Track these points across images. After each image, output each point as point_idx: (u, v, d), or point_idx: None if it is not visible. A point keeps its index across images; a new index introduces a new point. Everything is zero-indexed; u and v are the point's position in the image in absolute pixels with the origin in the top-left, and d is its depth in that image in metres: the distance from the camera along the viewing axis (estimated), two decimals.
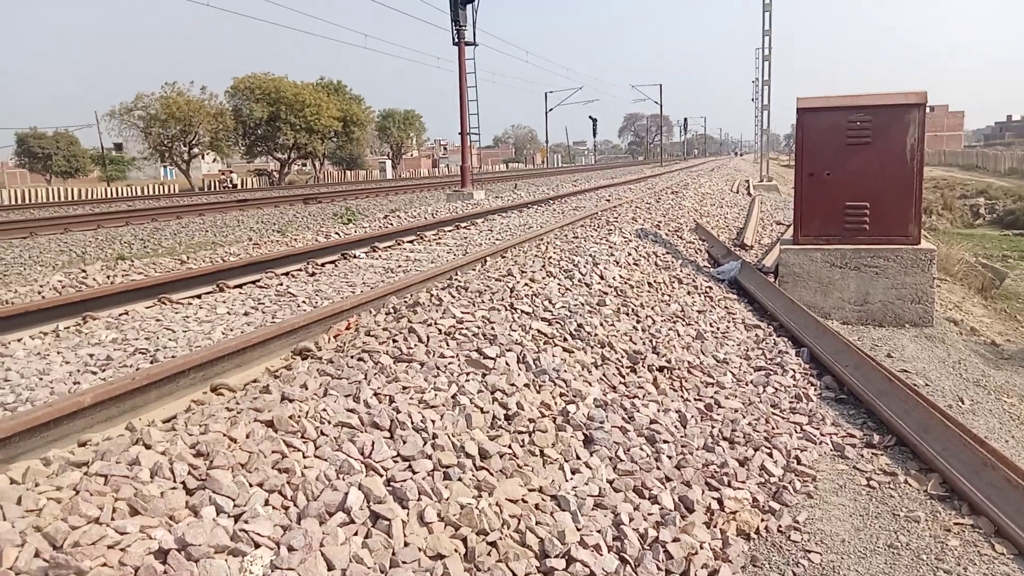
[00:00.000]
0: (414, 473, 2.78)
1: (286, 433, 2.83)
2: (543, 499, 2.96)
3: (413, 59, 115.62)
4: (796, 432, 4.28)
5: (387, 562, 2.35)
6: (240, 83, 47.75)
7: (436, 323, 4.36)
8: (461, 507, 2.64)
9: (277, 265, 8.11)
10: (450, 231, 12.07)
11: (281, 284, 7.40)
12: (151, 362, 4.56)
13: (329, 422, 2.98)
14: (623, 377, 4.47)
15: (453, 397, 3.42)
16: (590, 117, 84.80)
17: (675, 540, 2.90)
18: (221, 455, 2.55)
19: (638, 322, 5.54)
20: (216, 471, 2.47)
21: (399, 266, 8.40)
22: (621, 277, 6.55)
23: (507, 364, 3.92)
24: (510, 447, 3.20)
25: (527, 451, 3.24)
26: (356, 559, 2.30)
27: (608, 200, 16.32)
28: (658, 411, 4.06)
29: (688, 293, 7.01)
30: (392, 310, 5.21)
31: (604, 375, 4.38)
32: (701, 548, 2.92)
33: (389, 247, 10.19)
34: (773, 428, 4.25)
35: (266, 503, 2.44)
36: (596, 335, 4.83)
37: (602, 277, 6.34)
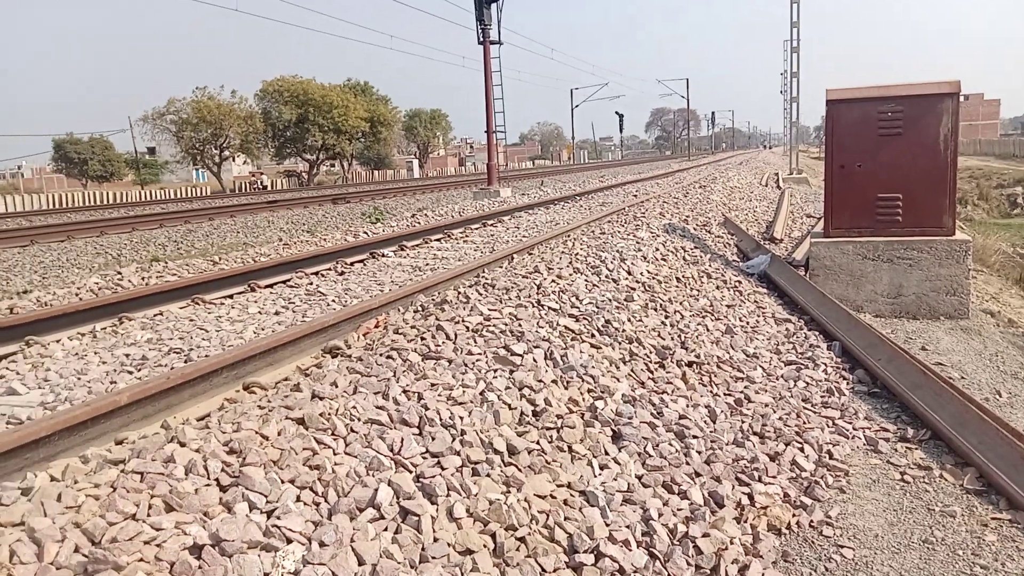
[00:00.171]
0: (443, 469, 2.80)
1: (317, 430, 2.87)
2: (571, 495, 2.96)
3: (439, 59, 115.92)
4: (828, 426, 4.23)
5: (417, 557, 2.37)
6: (269, 86, 48.42)
7: (464, 320, 4.38)
8: (490, 503, 2.66)
9: (307, 265, 8.19)
10: (477, 229, 12.09)
11: (311, 283, 7.47)
12: (185, 361, 4.64)
13: (359, 419, 3.01)
14: (651, 372, 4.45)
15: (481, 394, 3.44)
16: (616, 113, 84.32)
17: (705, 535, 2.88)
18: (253, 452, 2.59)
19: (666, 317, 5.51)
20: (249, 468, 2.51)
21: (427, 264, 8.44)
22: (649, 272, 6.51)
23: (535, 360, 3.92)
24: (538, 443, 3.20)
25: (555, 447, 3.25)
26: (386, 554, 2.32)
27: (635, 195, 16.23)
28: (687, 406, 4.04)
29: (717, 287, 6.96)
30: (420, 308, 5.24)
31: (632, 371, 4.37)
32: (731, 543, 2.90)
33: (417, 245, 10.25)
34: (804, 423, 4.21)
35: (297, 499, 2.47)
36: (624, 331, 4.81)
37: (629, 272, 6.31)
